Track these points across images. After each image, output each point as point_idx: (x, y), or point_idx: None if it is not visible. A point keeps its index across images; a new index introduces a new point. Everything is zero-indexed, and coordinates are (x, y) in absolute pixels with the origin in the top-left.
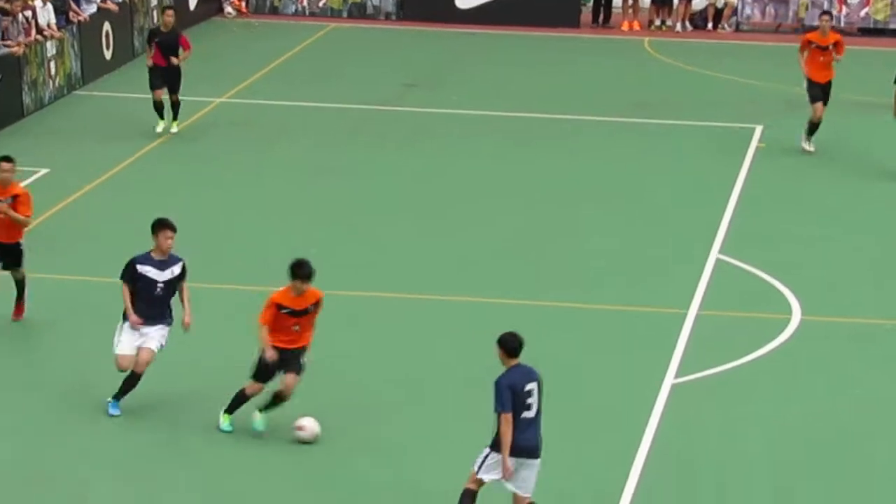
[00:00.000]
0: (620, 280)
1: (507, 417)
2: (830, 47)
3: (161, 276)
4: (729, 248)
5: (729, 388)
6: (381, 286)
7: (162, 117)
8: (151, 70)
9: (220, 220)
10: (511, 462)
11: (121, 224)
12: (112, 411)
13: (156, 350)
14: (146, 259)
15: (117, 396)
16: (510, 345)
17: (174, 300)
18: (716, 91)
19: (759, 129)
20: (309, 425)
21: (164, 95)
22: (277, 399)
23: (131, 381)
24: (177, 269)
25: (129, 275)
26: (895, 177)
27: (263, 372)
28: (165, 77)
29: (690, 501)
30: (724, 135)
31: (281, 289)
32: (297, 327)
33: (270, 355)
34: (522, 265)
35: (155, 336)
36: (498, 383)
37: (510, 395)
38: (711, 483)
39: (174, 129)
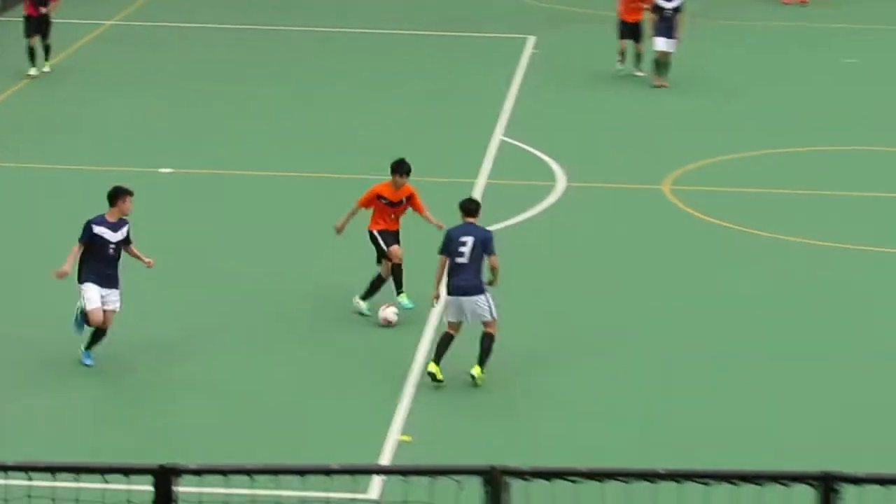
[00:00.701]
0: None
1: (441, 259)
2: None
3: (114, 237)
4: (510, 131)
5: (506, 242)
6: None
7: (34, 63)
8: (26, 19)
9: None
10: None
11: None
12: (86, 361)
13: (118, 311)
14: (101, 221)
15: (89, 347)
16: (463, 206)
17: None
18: (495, 8)
19: (532, 39)
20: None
21: (36, 42)
22: (397, 271)
23: (99, 335)
24: (125, 231)
25: (87, 235)
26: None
27: (387, 240)
28: (38, 26)
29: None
30: (504, 42)
31: (384, 181)
32: (393, 216)
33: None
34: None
35: (115, 299)
36: (446, 232)
37: (447, 241)
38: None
39: (46, 69)
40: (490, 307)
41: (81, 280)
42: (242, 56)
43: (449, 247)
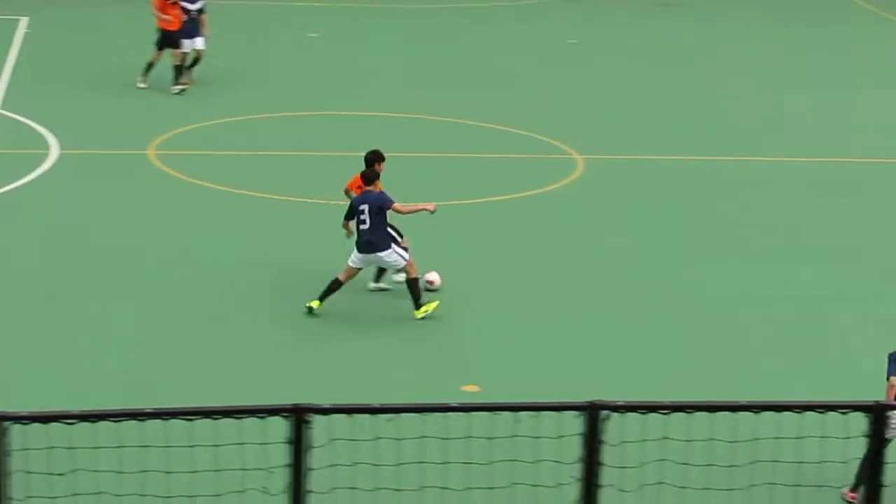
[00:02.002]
0: None
1: (345, 223)
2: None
3: None
4: (7, 105)
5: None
6: None
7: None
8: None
9: None
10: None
11: None
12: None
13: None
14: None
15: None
16: (365, 175)
17: None
18: None
19: (25, 20)
20: (437, 279)
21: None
22: None
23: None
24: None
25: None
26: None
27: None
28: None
29: None
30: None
31: None
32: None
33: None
34: None
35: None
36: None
37: (349, 209)
38: None
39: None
40: (399, 255)
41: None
42: None
43: (352, 215)
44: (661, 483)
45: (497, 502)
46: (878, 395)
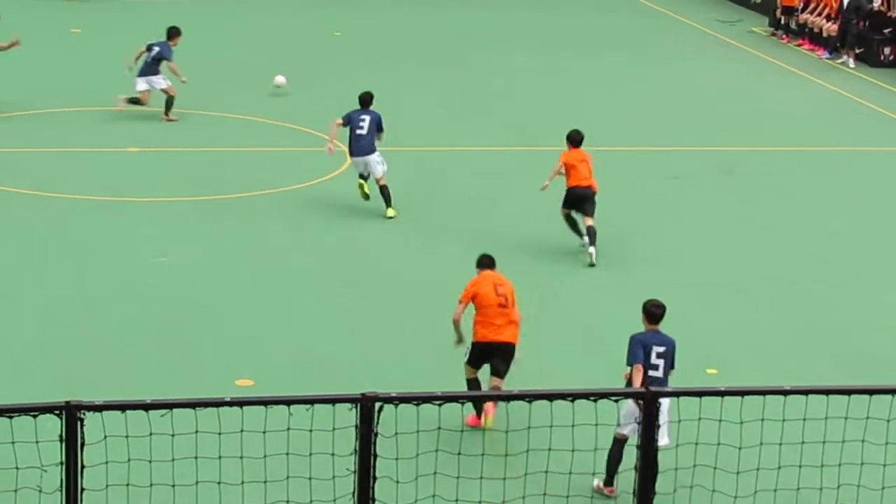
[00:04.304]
0: None
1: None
2: None
3: None
4: None
5: None
6: None
7: None
8: None
9: None
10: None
11: None
12: None
13: None
14: None
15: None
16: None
17: None
18: None
19: None
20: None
21: None
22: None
23: None
24: None
25: None
26: None
27: None
28: None
29: None
30: None
31: None
32: None
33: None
34: None
35: None
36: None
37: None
38: None
39: None
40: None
41: None
42: None
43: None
44: (436, 473)
45: (272, 496)
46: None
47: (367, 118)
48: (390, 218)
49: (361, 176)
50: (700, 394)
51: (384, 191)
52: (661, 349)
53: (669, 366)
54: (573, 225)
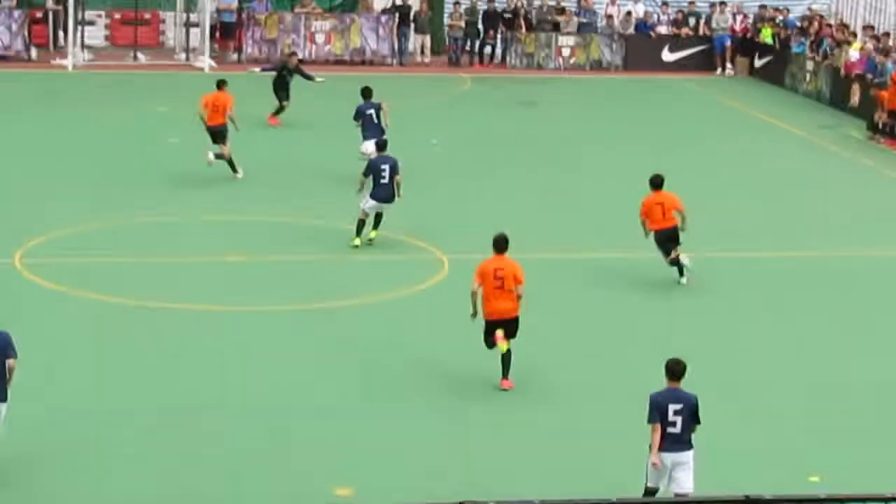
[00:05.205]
0: None
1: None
2: None
3: None
4: None
5: None
6: None
7: None
8: None
9: None
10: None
11: None
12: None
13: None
14: None
15: None
16: (377, 143)
17: None
18: None
19: None
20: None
21: None
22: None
23: None
24: None
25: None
26: None
27: None
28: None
29: None
30: None
31: None
32: None
33: None
34: None
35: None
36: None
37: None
38: None
39: None
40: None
41: None
42: None
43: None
44: None
45: None
46: None
47: (387, 167)
48: (371, 239)
49: (364, 219)
50: (799, 501)
51: (378, 218)
52: (678, 406)
53: (690, 422)
54: (672, 263)
